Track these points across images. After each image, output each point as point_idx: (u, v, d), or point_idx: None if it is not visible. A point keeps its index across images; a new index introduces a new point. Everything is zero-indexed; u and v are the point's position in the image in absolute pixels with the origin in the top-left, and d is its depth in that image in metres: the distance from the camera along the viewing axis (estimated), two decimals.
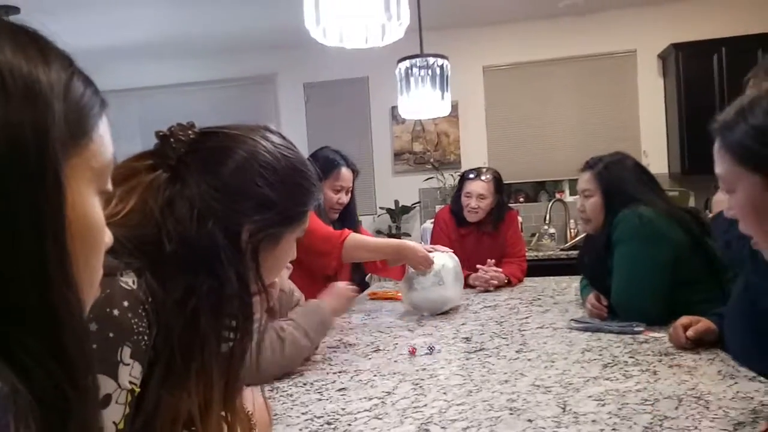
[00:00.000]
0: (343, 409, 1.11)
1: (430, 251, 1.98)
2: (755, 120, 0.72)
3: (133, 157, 0.80)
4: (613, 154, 1.84)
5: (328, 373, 1.35)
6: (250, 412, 0.89)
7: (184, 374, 0.72)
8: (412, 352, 1.47)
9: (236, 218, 0.75)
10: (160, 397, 0.73)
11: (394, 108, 4.41)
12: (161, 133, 0.78)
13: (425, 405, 1.11)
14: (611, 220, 1.73)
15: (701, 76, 4.00)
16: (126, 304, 0.66)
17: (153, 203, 0.73)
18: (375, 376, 1.31)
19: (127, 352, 0.66)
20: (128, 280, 0.68)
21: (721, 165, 0.77)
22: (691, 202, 3.96)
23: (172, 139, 0.77)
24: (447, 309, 1.95)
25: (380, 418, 1.05)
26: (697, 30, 4.14)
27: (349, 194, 2.13)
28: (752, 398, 1.02)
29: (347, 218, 2.17)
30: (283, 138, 0.85)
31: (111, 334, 0.65)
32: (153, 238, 0.72)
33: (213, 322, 0.73)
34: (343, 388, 1.24)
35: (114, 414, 0.65)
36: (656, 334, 1.49)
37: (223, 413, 0.78)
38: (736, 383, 1.11)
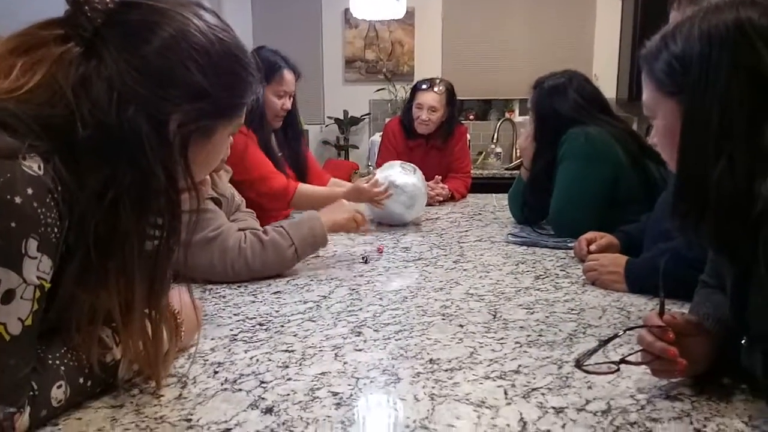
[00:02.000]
0: (277, 311, 1.10)
1: (412, 170, 1.93)
2: (675, 48, 0.71)
3: (38, 23, 0.68)
4: (560, 75, 1.79)
5: (264, 277, 1.32)
6: (177, 311, 0.86)
7: (102, 272, 0.67)
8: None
9: (163, 106, 0.66)
10: (75, 295, 0.68)
11: (347, 11, 4.16)
12: None
13: (360, 309, 1.11)
14: (556, 139, 1.72)
15: (660, 1, 3.96)
16: (30, 191, 0.59)
17: (63, 80, 0.64)
18: (312, 281, 1.30)
19: (33, 244, 0.59)
20: (33, 165, 0.60)
21: (645, 92, 0.79)
22: (634, 128, 4.04)
23: (86, 7, 0.65)
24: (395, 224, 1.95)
25: (314, 321, 1.05)
26: None
27: (292, 99, 2.01)
28: (669, 309, 1.07)
29: (290, 126, 2.06)
30: (219, 18, 0.74)
31: (13, 224, 0.58)
32: (64, 120, 0.63)
33: (135, 219, 0.67)
34: (278, 292, 1.22)
35: (19, 310, 0.60)
36: None
37: (147, 312, 0.74)
38: (657, 297, 1.16)
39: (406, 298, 1.18)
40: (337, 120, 4.53)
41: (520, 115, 4.41)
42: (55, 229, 0.61)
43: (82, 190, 0.64)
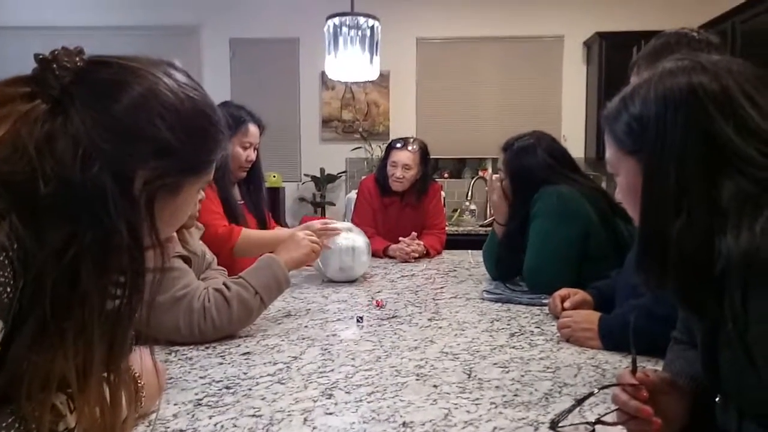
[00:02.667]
0: (245, 373, 1.06)
1: (350, 229, 1.94)
2: (634, 108, 0.75)
3: (4, 80, 0.67)
4: (528, 136, 1.84)
5: (233, 338, 1.28)
6: (138, 375, 0.82)
7: (58, 334, 0.63)
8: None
9: (129, 163, 0.65)
10: (28, 358, 0.64)
11: (324, 73, 4.28)
12: (41, 57, 0.67)
13: (332, 370, 1.07)
14: (530, 197, 1.76)
15: (621, 65, 4.16)
16: None
17: (27, 137, 0.62)
18: (283, 340, 1.27)
19: None
20: None
21: (607, 150, 0.82)
22: (603, 186, 4.16)
23: (55, 65, 0.65)
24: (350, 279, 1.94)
25: (283, 383, 1.01)
26: (621, 21, 4.31)
27: (256, 151, 2.05)
28: (644, 366, 1.07)
29: (253, 177, 2.09)
30: (189, 77, 0.75)
31: None
32: (25, 177, 0.61)
33: (96, 278, 0.64)
34: (247, 353, 1.18)
35: None
36: None
37: (106, 376, 0.70)
38: (630, 354, 1.15)
39: (380, 357, 1.15)
40: (313, 177, 4.57)
41: (493, 173, 4.51)
42: (8, 289, 0.59)
43: (40, 248, 0.61)
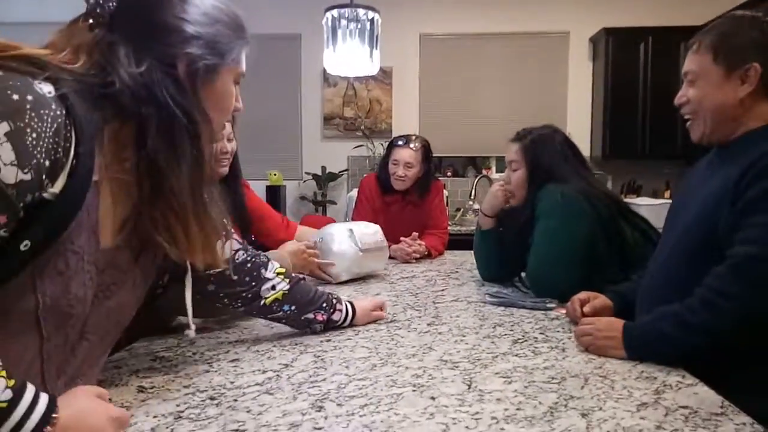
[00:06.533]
0: (232, 382, 1.00)
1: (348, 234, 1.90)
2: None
3: (69, 22, 0.82)
4: (543, 127, 1.80)
5: (222, 343, 1.23)
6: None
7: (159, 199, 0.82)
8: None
9: (167, 53, 0.80)
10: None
11: (326, 70, 4.22)
12: None
13: (324, 379, 1.01)
14: (535, 194, 1.70)
15: (628, 62, 4.10)
16: (30, 97, 0.66)
17: (99, 56, 0.78)
18: (274, 346, 1.21)
19: (3, 127, 0.63)
20: (44, 87, 0.69)
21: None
22: (608, 186, 4.09)
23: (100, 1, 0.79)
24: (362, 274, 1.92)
25: (271, 394, 0.95)
26: (628, 17, 4.23)
27: (233, 141, 1.77)
28: (656, 378, 1.01)
29: (234, 169, 1.77)
30: None
31: None
32: (99, 79, 0.76)
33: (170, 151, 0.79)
34: (236, 359, 1.12)
35: None
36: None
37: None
38: (640, 363, 1.09)
39: (375, 366, 1.09)
40: (315, 176, 4.51)
41: (497, 172, 4.44)
42: (41, 141, 0.65)
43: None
